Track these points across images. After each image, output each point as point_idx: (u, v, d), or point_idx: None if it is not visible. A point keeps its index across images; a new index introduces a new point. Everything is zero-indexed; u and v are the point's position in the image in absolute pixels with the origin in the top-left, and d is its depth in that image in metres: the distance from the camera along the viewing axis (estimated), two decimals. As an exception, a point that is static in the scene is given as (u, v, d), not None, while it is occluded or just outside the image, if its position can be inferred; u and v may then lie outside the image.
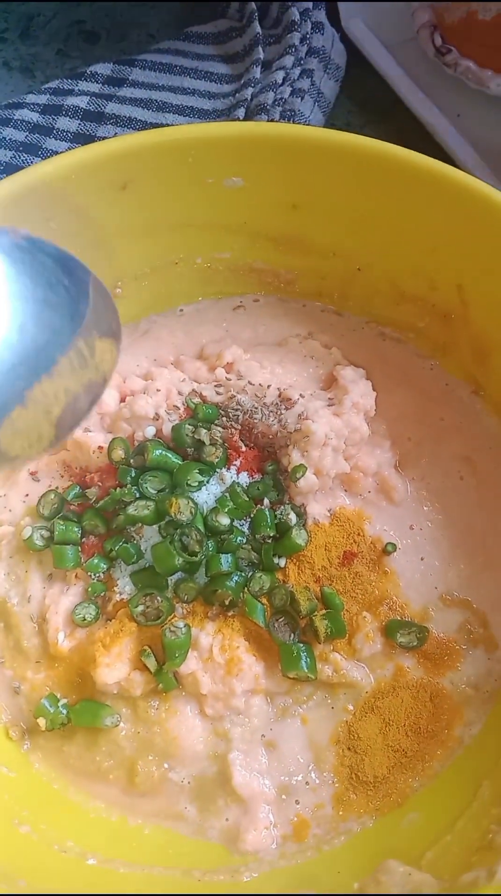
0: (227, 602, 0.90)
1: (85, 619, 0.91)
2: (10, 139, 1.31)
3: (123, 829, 0.88)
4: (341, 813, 0.87)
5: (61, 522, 0.94)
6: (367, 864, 0.81)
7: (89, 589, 0.93)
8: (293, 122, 1.31)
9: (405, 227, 1.00)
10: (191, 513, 0.90)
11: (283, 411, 0.98)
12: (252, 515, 0.95)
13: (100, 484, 0.98)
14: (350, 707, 0.91)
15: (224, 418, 0.98)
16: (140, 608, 0.89)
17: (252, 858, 0.85)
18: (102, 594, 0.93)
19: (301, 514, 0.96)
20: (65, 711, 0.89)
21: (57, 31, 1.55)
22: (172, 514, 0.90)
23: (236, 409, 0.98)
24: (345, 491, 1.01)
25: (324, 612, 0.91)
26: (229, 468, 0.96)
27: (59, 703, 0.89)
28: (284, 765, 0.89)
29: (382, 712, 0.90)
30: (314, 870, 0.84)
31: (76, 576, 0.94)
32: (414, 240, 1.00)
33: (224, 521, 0.92)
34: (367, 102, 1.45)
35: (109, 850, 0.85)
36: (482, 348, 1.03)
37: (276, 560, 0.94)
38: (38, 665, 0.92)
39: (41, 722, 0.87)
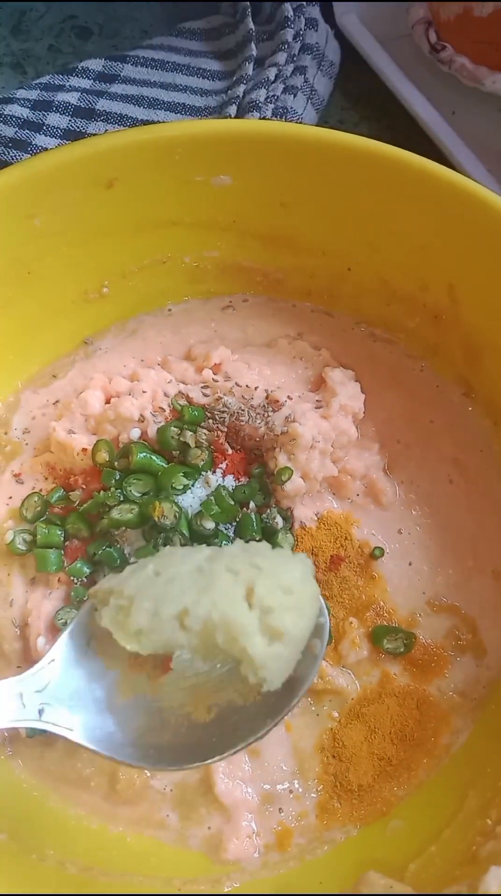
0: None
1: (67, 624, 0.89)
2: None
3: (103, 836, 0.86)
4: (324, 822, 0.86)
5: (44, 526, 0.93)
6: (349, 875, 0.79)
7: (72, 593, 0.92)
8: (286, 120, 1.30)
9: (396, 226, 0.98)
10: (175, 517, 0.89)
11: (270, 413, 0.97)
12: (238, 519, 0.93)
13: (84, 487, 0.96)
14: (335, 714, 0.89)
15: (210, 420, 0.97)
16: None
17: (234, 868, 0.84)
18: (84, 599, 0.92)
19: (288, 518, 0.95)
20: (45, 719, 0.87)
21: (49, 26, 1.53)
22: (156, 518, 0.88)
23: (223, 412, 0.97)
24: (333, 494, 1.00)
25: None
26: (214, 471, 0.95)
27: (39, 710, 0.88)
28: (267, 773, 0.87)
29: (367, 720, 0.88)
30: (295, 880, 0.83)
31: (59, 580, 0.93)
32: (405, 239, 0.99)
33: (209, 525, 0.91)
34: (361, 99, 1.43)
35: (88, 859, 0.84)
36: (473, 349, 1.01)
37: (262, 564, 0.92)
38: (19, 670, 0.91)
39: (22, 730, 0.86)
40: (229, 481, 0.95)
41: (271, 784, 0.87)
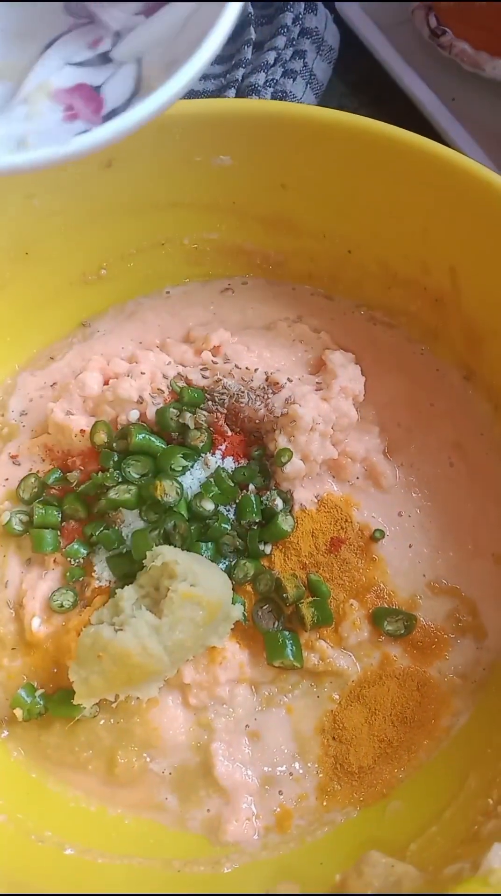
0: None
1: (62, 606, 0.89)
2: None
3: (102, 819, 0.86)
4: (325, 804, 0.86)
5: (41, 506, 0.92)
6: (350, 856, 0.79)
7: (68, 574, 0.91)
8: (285, 103, 1.29)
9: (397, 208, 0.97)
10: (177, 494, 0.88)
11: (270, 395, 0.96)
12: (237, 501, 0.93)
13: (82, 468, 0.95)
14: (336, 696, 0.89)
15: (210, 402, 0.96)
16: None
17: (233, 849, 0.84)
18: (80, 580, 0.91)
19: (288, 500, 0.94)
20: (42, 702, 0.87)
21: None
22: (159, 497, 0.88)
23: (222, 393, 0.96)
24: (333, 477, 0.99)
25: (311, 599, 0.89)
26: (213, 453, 0.94)
27: (37, 693, 0.87)
28: (267, 755, 0.87)
29: (368, 701, 0.88)
30: (295, 861, 0.82)
31: (55, 561, 0.92)
32: (406, 221, 0.98)
33: (209, 506, 0.90)
34: (360, 84, 1.43)
35: (87, 841, 0.83)
36: (474, 333, 1.01)
37: (261, 547, 0.92)
38: (14, 652, 0.90)
39: (18, 712, 0.86)
40: (229, 463, 0.94)
41: (271, 766, 0.87)
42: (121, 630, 0.77)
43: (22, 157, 0.60)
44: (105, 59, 0.68)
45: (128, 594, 0.82)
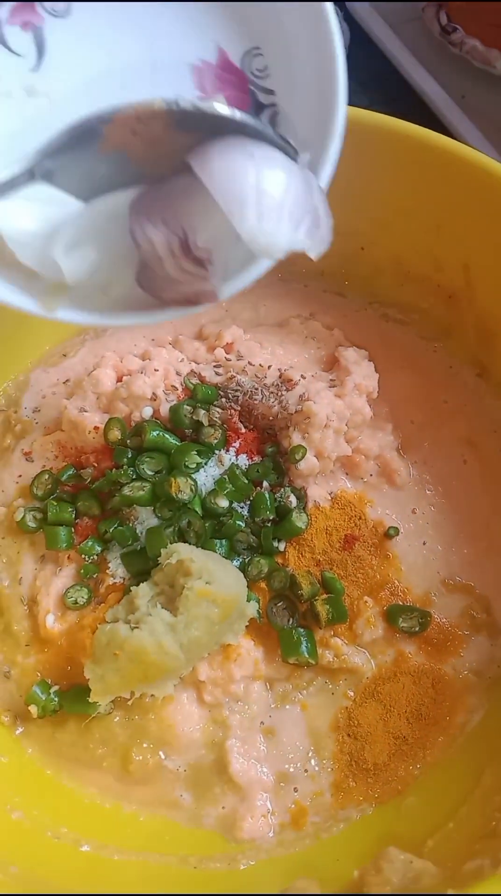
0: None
1: (77, 603, 0.89)
2: None
3: (117, 815, 0.86)
4: (340, 800, 0.86)
5: (55, 503, 0.92)
6: (367, 852, 0.79)
7: (82, 571, 0.91)
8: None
9: (410, 205, 0.97)
10: (191, 490, 0.88)
11: (284, 392, 0.96)
12: (252, 498, 0.92)
13: (95, 465, 0.95)
14: (351, 693, 0.89)
15: (223, 399, 0.96)
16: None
17: (249, 846, 0.83)
18: (94, 576, 0.91)
19: (302, 497, 0.94)
20: (56, 699, 0.87)
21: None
22: (173, 494, 0.88)
23: (236, 390, 0.96)
24: (346, 474, 0.99)
25: (325, 596, 0.89)
26: (227, 450, 0.94)
27: (51, 690, 0.87)
28: (283, 752, 0.87)
29: (383, 698, 0.88)
30: (312, 857, 0.82)
31: (69, 557, 0.92)
32: (419, 218, 0.98)
33: (223, 503, 0.90)
34: (371, 82, 1.42)
35: (103, 837, 0.83)
36: (487, 330, 1.01)
37: (275, 544, 0.92)
38: (27, 649, 0.90)
39: (32, 709, 0.85)
40: (243, 460, 0.94)
41: (286, 763, 0.86)
42: (137, 628, 0.77)
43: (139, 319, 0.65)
44: None
45: (143, 592, 0.82)
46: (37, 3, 0.65)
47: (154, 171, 0.64)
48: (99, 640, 0.79)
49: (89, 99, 0.67)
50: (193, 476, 0.89)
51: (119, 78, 0.67)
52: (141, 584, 0.83)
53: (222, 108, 0.60)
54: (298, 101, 0.66)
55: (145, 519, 0.91)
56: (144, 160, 0.63)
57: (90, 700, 0.79)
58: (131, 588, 0.84)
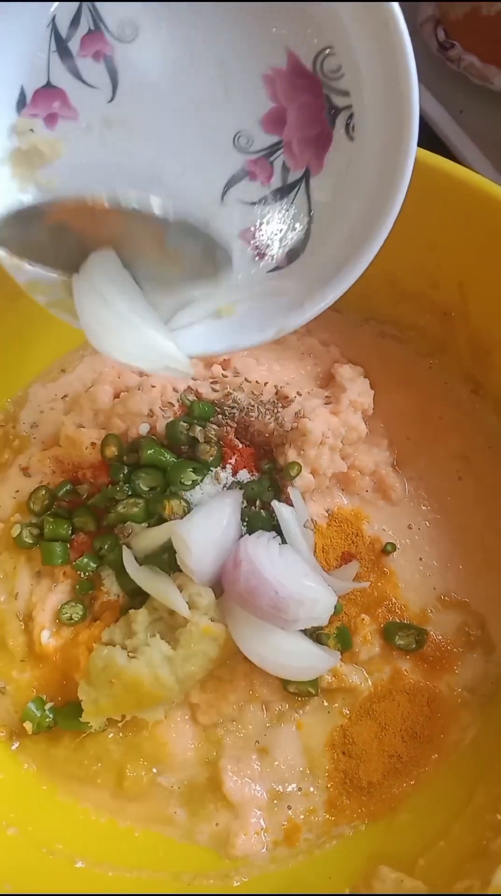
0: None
1: (71, 619, 0.89)
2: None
3: (112, 831, 0.86)
4: (333, 818, 0.86)
5: (51, 519, 0.93)
6: (358, 869, 0.79)
7: (77, 587, 0.91)
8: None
9: (405, 224, 0.96)
10: (184, 511, 0.89)
11: (280, 409, 0.97)
12: (247, 519, 0.93)
13: (92, 481, 0.96)
14: (346, 711, 0.89)
15: (220, 416, 0.97)
16: None
17: (242, 863, 0.84)
18: (89, 593, 0.92)
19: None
20: (51, 715, 0.87)
21: None
22: (167, 516, 0.88)
23: (232, 407, 0.97)
24: (342, 490, 1.00)
25: (336, 629, 0.89)
26: (224, 467, 0.94)
27: (46, 707, 0.88)
28: (277, 771, 0.87)
29: (378, 717, 0.88)
30: (304, 874, 0.83)
31: (64, 573, 0.92)
32: (415, 237, 0.98)
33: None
34: (369, 98, 1.43)
35: (98, 853, 0.83)
36: (482, 347, 1.01)
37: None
38: (23, 664, 0.90)
39: (27, 726, 0.86)
40: (244, 475, 0.94)
41: (280, 781, 0.87)
42: (134, 657, 0.78)
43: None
44: (279, 194, 0.70)
45: (141, 618, 0.82)
46: (104, 31, 0.65)
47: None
48: (94, 663, 0.80)
49: (167, 123, 0.68)
50: (185, 498, 0.90)
51: (195, 103, 0.67)
52: (140, 608, 0.84)
53: (157, 209, 0.62)
54: (368, 99, 0.65)
55: (136, 532, 0.92)
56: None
57: (82, 720, 0.80)
58: (129, 610, 0.84)
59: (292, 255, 0.72)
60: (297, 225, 0.71)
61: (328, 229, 0.71)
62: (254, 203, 0.71)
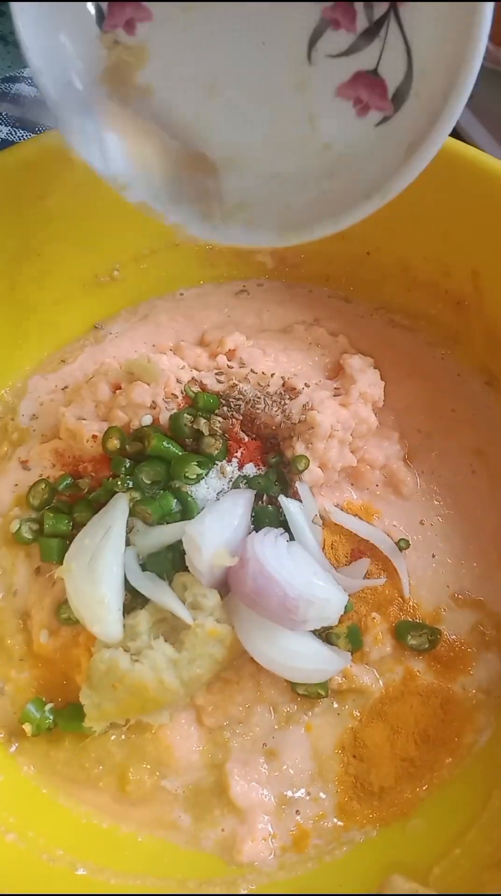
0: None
1: (70, 619, 0.86)
2: (6, 114, 1.26)
3: (114, 836, 0.83)
4: (343, 823, 0.83)
5: (51, 514, 0.90)
6: (370, 877, 0.77)
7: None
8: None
9: (418, 210, 0.95)
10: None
11: (287, 401, 0.94)
12: (254, 513, 0.90)
13: (93, 474, 0.93)
14: (357, 713, 0.86)
15: (225, 408, 0.93)
16: None
17: (249, 870, 0.81)
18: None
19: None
20: (51, 717, 0.84)
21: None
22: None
23: (238, 399, 0.94)
24: (352, 484, 0.97)
25: (346, 628, 0.86)
26: (229, 461, 0.91)
27: (46, 708, 0.85)
28: (285, 774, 0.84)
29: (390, 719, 0.85)
30: (314, 882, 0.80)
31: (65, 570, 0.89)
32: (427, 223, 0.96)
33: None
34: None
35: (100, 860, 0.81)
36: (496, 337, 0.98)
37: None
38: (21, 664, 0.88)
39: (27, 728, 0.83)
40: (250, 469, 0.91)
41: (288, 785, 0.84)
42: (137, 660, 0.75)
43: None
44: (368, 36, 0.65)
45: (143, 618, 0.79)
46: None
47: None
48: (96, 666, 0.77)
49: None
50: (190, 492, 0.87)
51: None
52: (142, 608, 0.81)
53: None
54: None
55: (141, 529, 0.88)
56: None
57: (85, 725, 0.77)
58: (132, 611, 0.81)
59: (398, 99, 0.66)
60: (397, 64, 0.65)
61: (428, 62, 0.64)
62: (344, 54, 0.66)
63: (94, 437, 0.92)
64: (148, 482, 0.89)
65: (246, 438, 0.93)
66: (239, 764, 0.83)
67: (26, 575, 0.91)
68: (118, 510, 0.85)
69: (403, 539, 0.92)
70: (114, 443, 0.91)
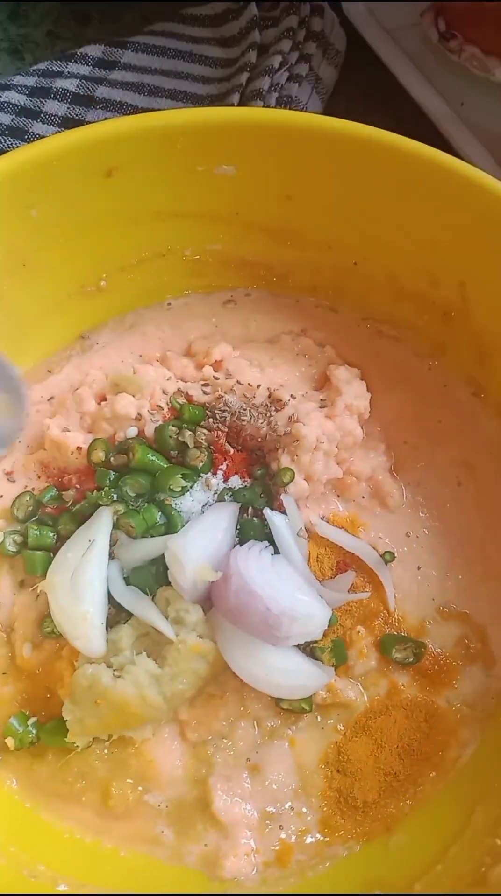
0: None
1: (53, 633, 0.85)
2: (-6, 123, 1.26)
3: (97, 851, 0.83)
4: (327, 838, 0.83)
5: (35, 527, 0.89)
6: (353, 893, 0.76)
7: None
8: (290, 109, 1.26)
9: (405, 220, 0.94)
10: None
11: (273, 413, 0.93)
12: (239, 525, 0.89)
13: (77, 486, 0.93)
14: (341, 727, 0.86)
15: (211, 420, 0.93)
16: None
17: (232, 885, 0.81)
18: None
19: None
20: (34, 731, 0.84)
21: (48, 11, 1.49)
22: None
23: (224, 411, 0.93)
24: (338, 496, 0.96)
25: (329, 642, 0.86)
26: (215, 473, 0.91)
27: (29, 723, 0.84)
28: (268, 789, 0.84)
29: (374, 733, 0.85)
30: (298, 898, 0.80)
31: (49, 583, 0.89)
32: (414, 233, 0.95)
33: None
34: (367, 89, 1.39)
35: (82, 875, 0.80)
36: (483, 348, 0.98)
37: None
38: (4, 677, 0.87)
39: (9, 742, 0.83)
40: (235, 481, 0.91)
41: (271, 800, 0.84)
42: (120, 677, 0.75)
43: None
44: None
45: (126, 633, 0.79)
46: None
47: None
48: (79, 682, 0.77)
49: None
50: (176, 507, 0.87)
51: None
52: (125, 623, 0.81)
53: None
54: None
55: (125, 542, 0.88)
56: None
57: (68, 740, 0.77)
58: (114, 625, 0.81)
59: None
60: None
61: None
62: None
63: (78, 448, 0.92)
64: (133, 495, 0.89)
65: (232, 451, 0.93)
66: (222, 779, 0.83)
67: (10, 588, 0.91)
68: (102, 523, 0.85)
69: (388, 552, 0.92)
70: (99, 455, 0.91)
